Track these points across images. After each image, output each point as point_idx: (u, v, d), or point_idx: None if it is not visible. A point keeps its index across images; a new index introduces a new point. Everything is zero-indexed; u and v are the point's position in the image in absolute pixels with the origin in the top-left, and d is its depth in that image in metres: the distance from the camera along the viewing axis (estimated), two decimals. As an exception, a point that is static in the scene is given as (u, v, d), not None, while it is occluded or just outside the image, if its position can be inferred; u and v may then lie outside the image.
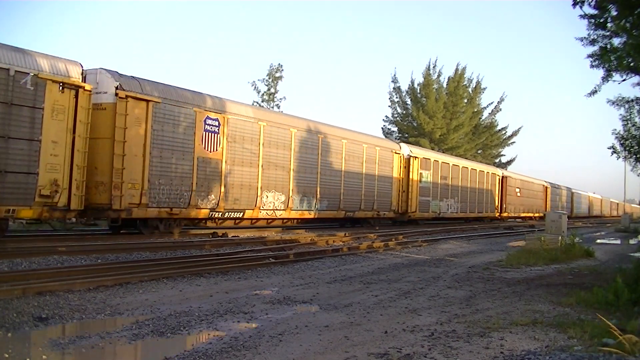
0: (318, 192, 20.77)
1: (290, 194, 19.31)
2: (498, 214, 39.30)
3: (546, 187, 51.10)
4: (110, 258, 10.65)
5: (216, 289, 8.06)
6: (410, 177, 26.87)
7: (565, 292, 8.63)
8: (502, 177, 40.01)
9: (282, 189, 18.92)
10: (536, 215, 47.06)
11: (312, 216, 20.87)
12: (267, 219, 18.89)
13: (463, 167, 33.58)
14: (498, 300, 7.97)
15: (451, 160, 33.04)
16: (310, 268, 10.81)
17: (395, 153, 26.19)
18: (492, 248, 17.38)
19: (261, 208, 17.97)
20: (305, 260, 11.77)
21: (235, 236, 15.83)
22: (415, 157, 27.38)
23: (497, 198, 38.90)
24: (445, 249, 16.44)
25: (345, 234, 18.34)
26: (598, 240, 23.39)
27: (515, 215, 43.51)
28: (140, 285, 8.02)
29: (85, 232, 15.41)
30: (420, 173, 27.62)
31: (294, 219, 20.74)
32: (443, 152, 39.87)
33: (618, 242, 23.87)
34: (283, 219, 20.06)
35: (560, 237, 15.51)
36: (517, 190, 42.81)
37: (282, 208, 18.94)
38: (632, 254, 16.10)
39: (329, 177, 21.56)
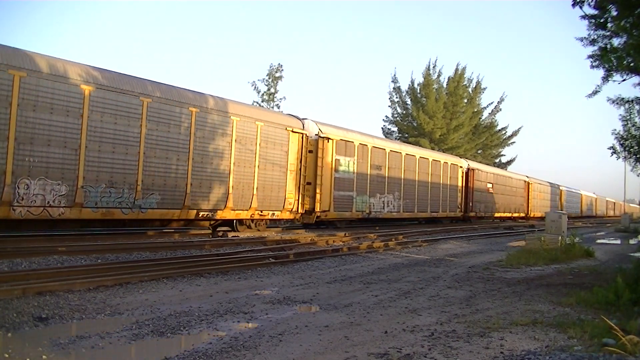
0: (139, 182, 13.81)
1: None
2: (462, 213, 32.95)
3: (528, 183, 45.69)
4: (110, 258, 10.65)
5: (216, 289, 8.06)
6: (319, 164, 20.17)
7: (565, 292, 8.63)
8: (468, 169, 33.79)
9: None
10: (515, 215, 42.87)
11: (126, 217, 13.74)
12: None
13: (407, 154, 26.98)
14: (498, 300, 7.97)
15: (389, 145, 25.91)
16: (310, 268, 10.82)
17: (293, 132, 19.11)
18: (492, 248, 17.39)
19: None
20: (305, 260, 11.77)
21: (235, 236, 15.83)
22: (328, 139, 20.57)
23: (460, 195, 32.55)
24: (445, 249, 16.44)
25: (345, 234, 18.34)
26: (598, 240, 23.39)
27: (488, 215, 37.34)
28: (140, 285, 8.02)
29: (86, 232, 15.41)
30: (337, 160, 21.22)
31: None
32: (444, 150, 39.17)
33: (618, 242, 23.88)
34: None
35: (560, 237, 15.51)
36: (489, 185, 37.13)
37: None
38: (632, 254, 16.11)
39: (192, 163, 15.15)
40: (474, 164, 35.74)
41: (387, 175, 24.87)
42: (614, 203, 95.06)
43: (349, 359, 4.83)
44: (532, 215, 46.02)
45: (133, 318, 6.08)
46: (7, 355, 4.60)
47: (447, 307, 7.31)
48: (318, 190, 20.10)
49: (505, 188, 40.66)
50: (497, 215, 38.89)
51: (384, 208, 24.70)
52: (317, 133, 20.35)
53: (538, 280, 10.24)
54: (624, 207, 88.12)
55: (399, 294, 8.21)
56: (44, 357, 4.61)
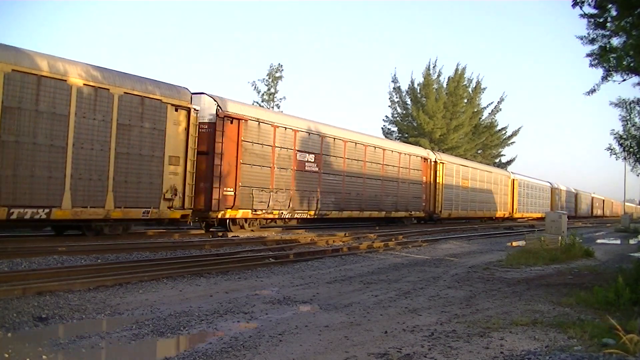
0: None
1: None
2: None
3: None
4: (110, 258, 10.65)
5: (216, 289, 8.06)
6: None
7: (565, 292, 8.63)
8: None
9: None
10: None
11: None
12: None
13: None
14: (498, 300, 7.97)
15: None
16: (310, 268, 10.82)
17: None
18: (492, 248, 17.39)
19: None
20: (305, 260, 11.77)
21: (235, 236, 15.83)
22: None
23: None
24: (445, 249, 16.44)
25: (345, 234, 18.34)
26: (598, 241, 23.39)
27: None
28: (140, 285, 8.02)
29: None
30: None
31: None
32: (443, 151, 38.30)
33: (618, 242, 23.89)
34: None
35: (560, 237, 15.51)
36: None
37: None
38: (632, 254, 16.10)
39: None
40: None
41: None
42: (612, 202, 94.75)
43: (349, 359, 4.83)
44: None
45: (133, 318, 6.08)
46: (7, 355, 4.60)
47: (447, 307, 7.31)
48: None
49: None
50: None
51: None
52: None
53: (538, 280, 10.24)
54: (624, 207, 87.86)
55: (399, 294, 8.21)
56: (44, 357, 4.61)
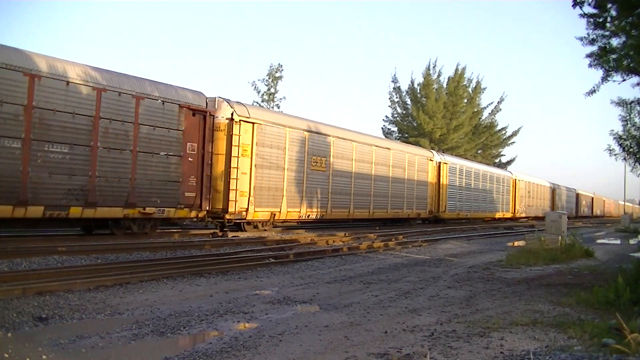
0: None
1: None
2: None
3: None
4: (110, 258, 10.65)
5: (216, 289, 8.06)
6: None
7: (565, 292, 8.63)
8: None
9: None
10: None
11: None
12: None
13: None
14: (498, 300, 7.97)
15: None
16: (310, 268, 10.82)
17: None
18: (492, 248, 17.38)
19: None
20: (305, 260, 11.77)
21: (235, 236, 15.83)
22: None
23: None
24: (445, 249, 16.44)
25: (345, 234, 18.34)
26: (598, 241, 23.39)
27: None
28: (140, 285, 8.02)
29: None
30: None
31: None
32: (443, 152, 38.53)
33: (618, 242, 23.89)
34: None
35: (560, 237, 15.51)
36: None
37: None
38: (632, 254, 16.11)
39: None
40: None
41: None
42: (612, 203, 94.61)
43: (349, 359, 4.83)
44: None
45: (133, 318, 6.08)
46: (7, 355, 4.60)
47: (447, 307, 7.31)
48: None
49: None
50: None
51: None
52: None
53: (538, 280, 10.24)
54: (624, 207, 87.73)
55: (399, 294, 8.21)
56: (44, 357, 4.61)
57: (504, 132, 54.13)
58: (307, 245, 14.73)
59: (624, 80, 9.63)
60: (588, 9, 9.00)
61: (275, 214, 18.22)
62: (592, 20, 9.13)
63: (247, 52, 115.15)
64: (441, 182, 29.71)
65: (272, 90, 34.82)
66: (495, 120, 53.41)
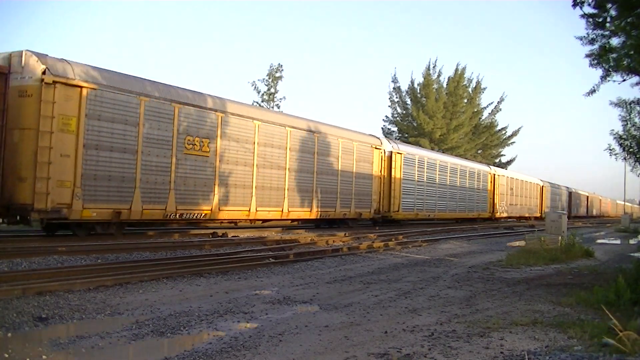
0: None
1: None
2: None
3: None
4: (110, 258, 10.65)
5: (216, 289, 8.06)
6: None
7: (565, 292, 8.63)
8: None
9: None
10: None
11: None
12: None
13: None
14: (498, 300, 7.97)
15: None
16: (310, 268, 10.82)
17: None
18: (492, 248, 17.38)
19: None
20: (305, 260, 11.77)
21: (235, 236, 15.83)
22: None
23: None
24: (445, 249, 16.44)
25: (345, 234, 18.34)
26: (598, 241, 23.39)
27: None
28: (140, 285, 8.02)
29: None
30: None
31: None
32: (443, 152, 38.62)
33: (618, 242, 23.89)
34: None
35: (560, 237, 15.51)
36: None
37: None
38: (632, 254, 16.10)
39: None
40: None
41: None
42: (610, 202, 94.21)
43: (349, 359, 4.83)
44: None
45: (133, 318, 6.08)
46: (7, 355, 4.60)
47: (447, 307, 7.31)
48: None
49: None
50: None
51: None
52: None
53: (538, 280, 10.23)
54: (623, 207, 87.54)
55: (399, 294, 8.21)
56: (44, 357, 4.61)
57: (504, 132, 54.27)
58: (307, 245, 14.74)
59: (624, 80, 9.63)
60: (588, 9, 9.01)
61: (121, 212, 13.43)
62: (592, 20, 9.13)
63: (247, 52, 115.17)
64: (393, 176, 24.68)
65: (272, 90, 34.86)
66: (495, 120, 53.55)
